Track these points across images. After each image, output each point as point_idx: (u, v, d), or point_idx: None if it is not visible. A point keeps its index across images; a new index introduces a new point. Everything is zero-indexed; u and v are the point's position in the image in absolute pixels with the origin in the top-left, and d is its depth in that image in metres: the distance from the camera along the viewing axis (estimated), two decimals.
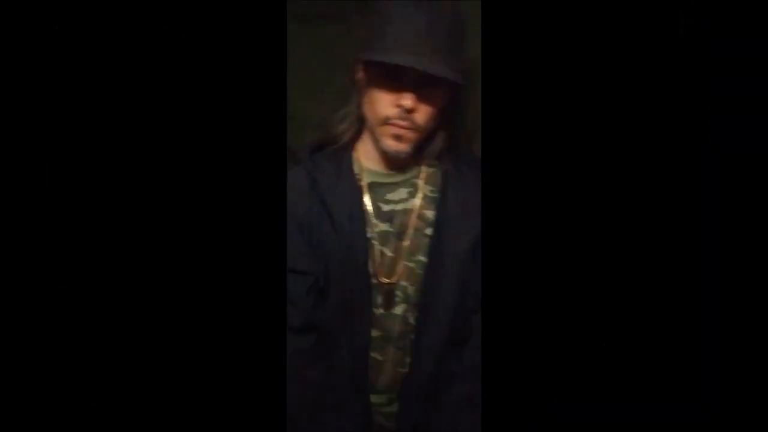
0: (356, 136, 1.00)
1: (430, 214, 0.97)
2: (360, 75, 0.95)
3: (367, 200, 0.98)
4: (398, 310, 0.97)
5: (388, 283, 0.96)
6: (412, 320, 0.96)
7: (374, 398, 0.98)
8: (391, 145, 0.93)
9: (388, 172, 0.99)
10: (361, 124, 0.99)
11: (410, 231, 0.97)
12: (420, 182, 0.99)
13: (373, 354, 0.97)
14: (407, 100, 0.89)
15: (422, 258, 0.96)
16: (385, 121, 0.92)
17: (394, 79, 0.89)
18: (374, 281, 0.96)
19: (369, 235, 0.96)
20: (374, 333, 0.97)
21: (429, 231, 0.97)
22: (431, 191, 0.98)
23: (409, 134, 0.92)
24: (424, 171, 0.99)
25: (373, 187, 0.98)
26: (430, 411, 0.97)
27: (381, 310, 0.96)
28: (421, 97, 0.90)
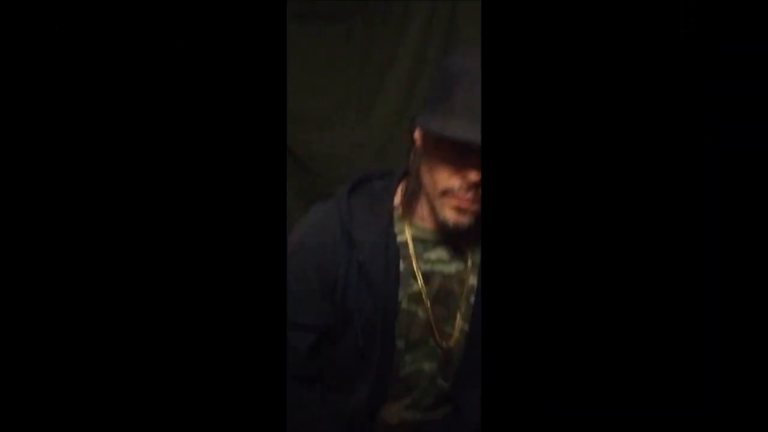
0: (407, 195, 0.91)
1: (472, 280, 0.91)
2: (417, 136, 0.87)
3: (404, 258, 0.90)
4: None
5: (445, 348, 0.92)
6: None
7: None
8: (450, 216, 0.85)
9: (431, 228, 0.92)
10: (418, 189, 0.89)
11: (452, 298, 0.92)
12: (461, 244, 0.92)
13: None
14: (474, 173, 0.81)
15: (464, 325, 0.92)
16: (447, 194, 0.84)
17: (461, 152, 0.81)
18: (422, 343, 0.92)
19: (401, 295, 0.90)
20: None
21: (471, 298, 0.92)
22: (473, 254, 0.92)
23: (474, 207, 0.84)
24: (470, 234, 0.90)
25: (415, 242, 0.91)
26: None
27: (411, 369, 0.94)
28: None
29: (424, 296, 0.90)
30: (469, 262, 0.92)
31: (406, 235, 0.91)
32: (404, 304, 0.90)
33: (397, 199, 0.92)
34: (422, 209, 0.90)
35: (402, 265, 0.90)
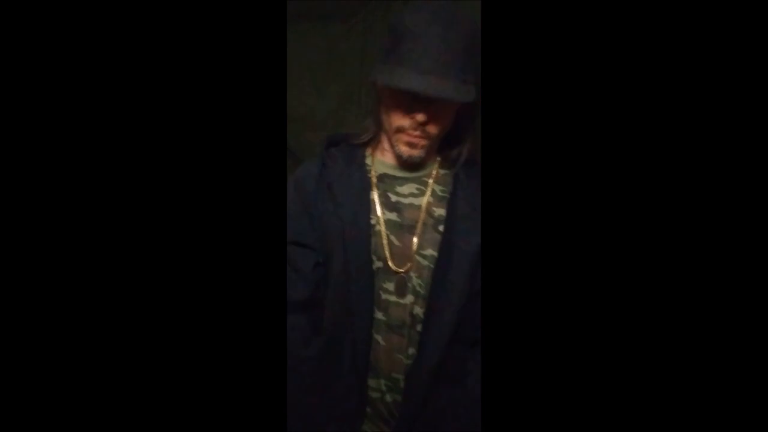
0: (374, 138, 1.05)
1: (440, 211, 1.01)
2: (376, 86, 1.00)
3: (375, 189, 1.02)
4: (407, 299, 0.98)
5: (400, 272, 0.98)
6: (419, 312, 0.98)
7: (372, 382, 0.99)
8: (404, 150, 0.99)
9: (401, 170, 1.04)
10: (379, 128, 1.04)
11: (419, 225, 1.00)
12: (430, 181, 1.03)
13: (375, 336, 0.98)
14: (420, 115, 0.94)
15: (432, 252, 0.99)
16: (399, 130, 0.98)
17: (407, 95, 0.93)
18: (383, 266, 0.99)
19: (373, 222, 0.99)
20: (378, 316, 0.98)
21: (440, 227, 1.00)
22: (441, 191, 1.03)
23: (422, 142, 0.98)
24: (436, 172, 1.04)
25: (383, 179, 1.03)
26: (431, 406, 0.98)
27: (392, 297, 0.98)
28: (434, 110, 0.95)
29: (398, 225, 1.01)
30: (435, 196, 1.02)
31: (374, 171, 1.04)
32: (378, 229, 1.00)
33: (369, 149, 1.06)
34: (384, 146, 1.04)
35: (374, 194, 1.02)
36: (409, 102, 0.94)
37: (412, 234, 0.99)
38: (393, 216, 1.00)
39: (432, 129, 0.96)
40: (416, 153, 0.98)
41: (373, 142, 1.05)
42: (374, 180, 1.02)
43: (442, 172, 1.04)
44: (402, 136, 0.97)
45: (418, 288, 0.98)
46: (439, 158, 1.05)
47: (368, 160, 1.05)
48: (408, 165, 1.02)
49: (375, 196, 1.01)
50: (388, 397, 0.99)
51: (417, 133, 0.96)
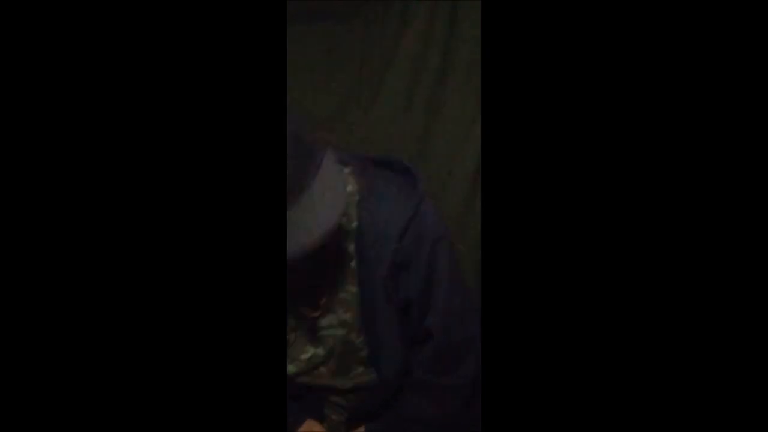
0: None
1: (351, 247, 0.99)
2: None
3: None
4: (332, 332, 1.00)
5: (316, 317, 0.99)
6: (355, 339, 1.00)
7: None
8: None
9: None
10: None
11: (335, 267, 0.98)
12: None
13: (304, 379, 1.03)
14: None
15: (352, 288, 0.99)
16: None
17: None
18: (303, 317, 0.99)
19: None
20: (304, 356, 1.02)
21: (353, 263, 0.98)
22: (347, 224, 0.98)
23: None
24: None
25: None
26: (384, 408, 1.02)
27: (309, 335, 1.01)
28: None
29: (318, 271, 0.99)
30: (345, 232, 0.99)
31: None
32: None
33: None
34: None
35: None
36: None
37: (330, 276, 0.99)
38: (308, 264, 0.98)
39: None
40: None
41: None
42: None
43: (347, 201, 0.94)
44: None
45: (346, 321, 0.99)
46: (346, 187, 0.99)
47: None
48: None
49: None
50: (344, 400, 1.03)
51: None
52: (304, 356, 1.02)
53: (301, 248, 0.82)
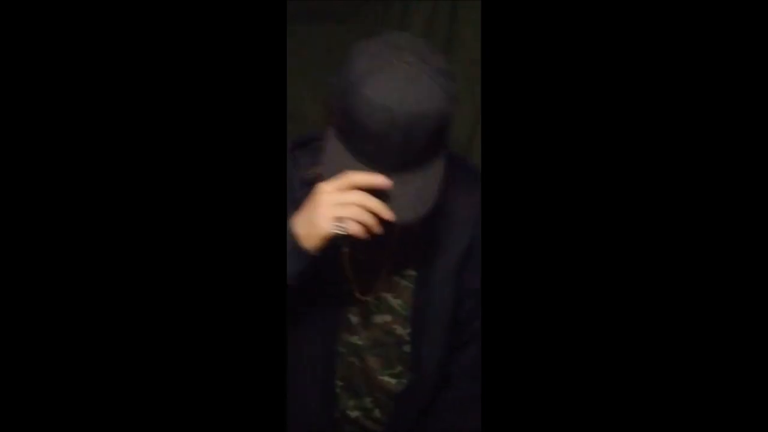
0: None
1: (399, 330, 0.95)
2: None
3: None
4: (378, 319, 0.95)
5: (366, 300, 0.94)
6: (401, 332, 0.95)
7: (355, 402, 0.97)
8: None
9: None
10: None
11: (391, 246, 0.92)
12: (387, 295, 0.95)
13: (350, 359, 0.96)
14: None
15: (411, 272, 0.94)
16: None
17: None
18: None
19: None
20: (352, 339, 0.95)
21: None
22: (402, 307, 0.95)
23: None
24: (399, 284, 0.95)
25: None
26: (425, 417, 0.96)
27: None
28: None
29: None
30: (399, 312, 0.95)
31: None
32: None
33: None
34: None
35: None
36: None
37: (383, 256, 0.92)
38: (353, 339, 0.95)
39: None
40: None
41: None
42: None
43: (403, 283, 0.94)
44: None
45: (393, 308, 0.94)
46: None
47: None
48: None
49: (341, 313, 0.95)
50: (377, 414, 0.97)
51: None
52: (353, 339, 0.96)
53: (414, 214, 0.78)
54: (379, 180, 0.77)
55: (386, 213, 0.77)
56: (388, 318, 0.95)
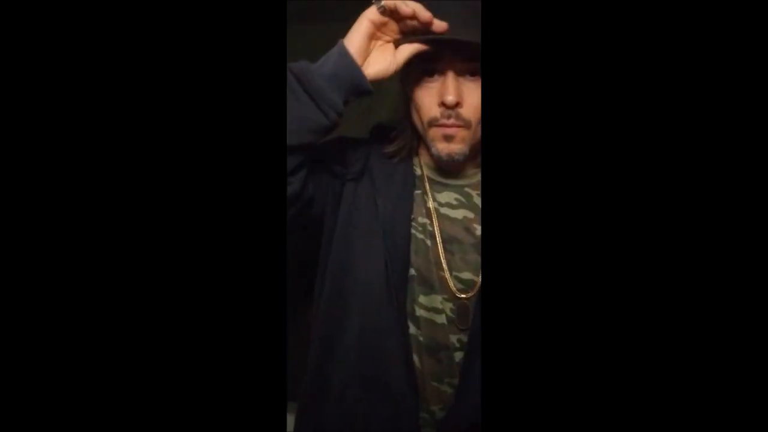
0: (412, 150, 0.95)
1: (480, 230, 0.90)
2: (402, 82, 0.92)
3: (418, 188, 0.92)
4: (442, 319, 0.89)
5: (462, 298, 0.88)
6: (455, 339, 0.89)
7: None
8: (442, 148, 0.87)
9: (443, 175, 0.93)
10: (415, 136, 0.93)
11: (454, 243, 0.90)
12: (474, 193, 0.92)
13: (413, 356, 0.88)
14: (449, 95, 0.84)
15: (472, 277, 0.89)
16: (432, 124, 0.87)
17: (433, 75, 0.86)
18: (417, 275, 0.89)
19: (413, 226, 0.90)
20: (412, 332, 0.89)
21: (473, 246, 0.90)
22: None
23: (460, 132, 0.86)
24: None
25: (425, 180, 0.93)
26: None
27: (426, 313, 0.89)
28: (466, 90, 0.85)
29: (436, 233, 0.90)
30: (477, 210, 0.91)
31: (420, 168, 0.94)
32: (413, 231, 0.90)
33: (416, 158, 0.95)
34: (424, 154, 0.93)
35: (417, 192, 0.92)
36: (437, 81, 0.85)
37: (447, 253, 0.89)
38: (427, 223, 0.90)
39: (465, 113, 0.85)
40: (456, 148, 0.86)
41: (414, 153, 0.94)
42: (420, 178, 0.92)
43: None
44: (436, 130, 0.86)
45: (450, 313, 0.89)
46: None
47: (414, 160, 0.94)
48: (451, 167, 0.91)
49: (418, 194, 0.91)
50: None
51: (451, 121, 0.85)
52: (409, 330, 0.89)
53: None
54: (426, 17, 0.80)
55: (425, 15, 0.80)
56: (469, 213, 0.91)
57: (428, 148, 0.90)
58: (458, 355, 0.88)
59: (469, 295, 0.88)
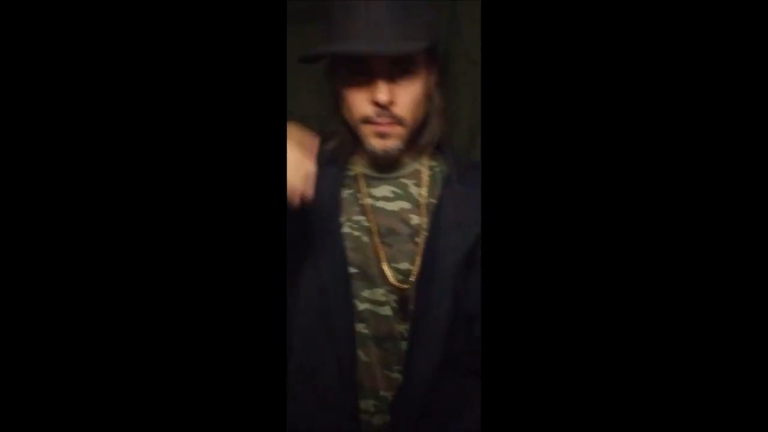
0: (344, 142, 0.95)
1: (417, 219, 0.92)
2: (331, 77, 0.92)
3: (347, 189, 0.93)
4: (386, 310, 0.92)
5: (400, 288, 0.90)
6: (401, 329, 0.91)
7: (360, 403, 0.92)
8: (376, 144, 0.88)
9: (378, 171, 0.94)
10: (347, 129, 0.93)
11: (392, 236, 0.92)
12: (410, 183, 0.94)
13: (357, 350, 0.91)
14: (381, 93, 0.84)
15: (408, 266, 0.91)
16: (365, 121, 0.87)
17: (364, 74, 0.85)
18: (359, 273, 0.91)
19: (348, 225, 0.91)
20: (360, 328, 0.91)
21: (416, 238, 0.91)
22: (423, 196, 0.93)
23: (394, 129, 0.87)
24: (420, 173, 0.94)
25: (358, 178, 0.94)
26: (424, 427, 0.91)
27: (372, 307, 0.91)
28: (397, 88, 0.85)
29: (372, 228, 0.91)
30: (413, 200, 0.93)
31: (352, 170, 0.94)
32: (348, 230, 0.91)
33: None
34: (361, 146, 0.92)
35: (344, 193, 0.92)
36: (368, 81, 0.85)
37: (384, 245, 0.91)
38: (362, 219, 0.92)
39: (400, 111, 0.86)
40: (390, 144, 0.87)
41: (346, 147, 0.94)
42: (353, 177, 0.93)
43: (427, 173, 0.93)
44: (369, 127, 0.87)
45: (393, 304, 0.91)
46: (427, 159, 0.94)
47: (349, 162, 0.95)
48: (386, 162, 0.92)
49: (345, 195, 0.92)
50: (377, 419, 0.91)
51: (385, 120, 0.86)
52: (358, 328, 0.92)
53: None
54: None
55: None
56: (406, 205, 0.92)
57: (362, 143, 0.90)
58: (404, 344, 0.91)
59: (408, 284, 0.90)
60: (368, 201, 0.93)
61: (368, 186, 0.94)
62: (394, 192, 0.94)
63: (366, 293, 0.92)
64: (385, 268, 0.90)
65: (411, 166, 0.94)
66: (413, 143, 0.92)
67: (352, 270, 0.91)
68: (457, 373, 0.92)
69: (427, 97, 0.90)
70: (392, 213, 0.93)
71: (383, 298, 0.92)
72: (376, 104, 0.85)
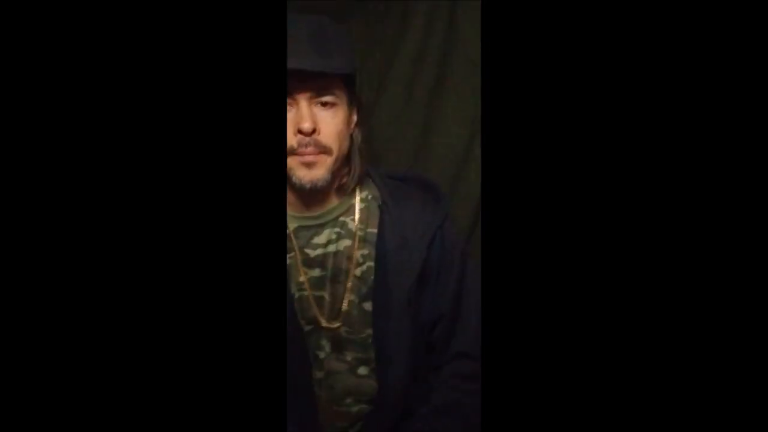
0: None
1: (362, 251, 0.95)
2: None
3: (290, 251, 0.94)
4: (348, 356, 0.96)
5: (334, 328, 0.95)
6: (364, 371, 0.96)
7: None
8: (303, 176, 0.88)
9: (311, 216, 0.95)
10: None
11: (342, 275, 0.95)
12: (348, 220, 0.96)
13: (318, 393, 0.96)
14: (305, 122, 0.86)
15: (362, 302, 0.95)
16: (291, 152, 0.87)
17: (287, 105, 0.87)
18: (314, 327, 0.95)
19: (299, 281, 0.94)
20: (318, 376, 0.96)
21: (359, 272, 0.95)
22: (361, 229, 0.96)
23: (319, 158, 0.88)
24: (354, 208, 0.96)
25: (297, 234, 0.95)
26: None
27: (325, 353, 0.96)
28: (320, 118, 0.87)
29: (325, 280, 0.95)
30: (354, 236, 0.95)
31: (289, 227, 0.95)
32: (300, 293, 0.94)
33: None
34: (290, 198, 0.93)
35: (290, 256, 0.94)
36: (291, 115, 0.86)
37: (339, 285, 0.94)
38: (316, 272, 0.94)
39: (324, 139, 0.87)
40: (318, 174, 0.88)
41: None
42: (290, 237, 0.94)
43: (362, 206, 0.96)
44: (295, 159, 0.87)
45: (356, 344, 0.94)
46: (358, 192, 0.96)
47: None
48: (315, 195, 0.92)
49: (290, 258, 0.94)
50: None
51: (310, 149, 0.86)
52: (319, 353, 0.97)
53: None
54: None
55: None
56: (349, 242, 0.95)
57: (289, 179, 0.90)
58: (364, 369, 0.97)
59: (339, 323, 0.95)
60: (314, 252, 0.95)
61: (308, 238, 0.95)
62: (337, 233, 0.96)
63: (324, 343, 0.96)
64: (317, 314, 0.94)
65: (347, 202, 0.97)
66: (339, 179, 0.93)
67: (308, 328, 0.95)
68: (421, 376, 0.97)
69: (349, 134, 0.92)
70: (339, 253, 0.95)
71: (324, 342, 0.97)
72: (301, 132, 0.86)
